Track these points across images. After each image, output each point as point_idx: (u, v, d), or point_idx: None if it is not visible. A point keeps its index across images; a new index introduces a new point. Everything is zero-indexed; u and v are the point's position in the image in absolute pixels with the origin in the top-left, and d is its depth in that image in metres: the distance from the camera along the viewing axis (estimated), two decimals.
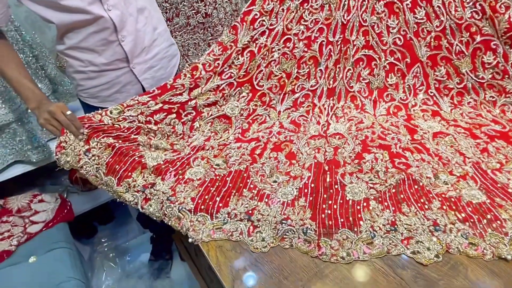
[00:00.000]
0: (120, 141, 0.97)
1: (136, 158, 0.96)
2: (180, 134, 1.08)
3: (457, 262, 0.73)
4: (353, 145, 1.06)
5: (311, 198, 0.88)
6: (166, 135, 1.06)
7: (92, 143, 0.94)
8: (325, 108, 1.21)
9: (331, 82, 1.22)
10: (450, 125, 1.12)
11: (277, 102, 1.20)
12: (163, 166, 0.97)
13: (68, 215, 1.41)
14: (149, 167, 0.96)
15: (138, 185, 0.92)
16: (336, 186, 0.91)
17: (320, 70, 1.20)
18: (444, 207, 0.82)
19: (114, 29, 1.02)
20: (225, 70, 1.10)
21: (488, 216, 0.79)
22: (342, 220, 0.81)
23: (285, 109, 1.20)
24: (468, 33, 1.15)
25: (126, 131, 0.98)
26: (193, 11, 1.48)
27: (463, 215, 0.80)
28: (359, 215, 0.82)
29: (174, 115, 1.07)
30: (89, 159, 0.92)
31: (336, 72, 1.21)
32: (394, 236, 0.77)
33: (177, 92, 1.05)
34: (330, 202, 0.86)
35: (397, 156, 1.00)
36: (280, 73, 1.17)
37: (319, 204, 0.86)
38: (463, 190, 0.87)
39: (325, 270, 0.74)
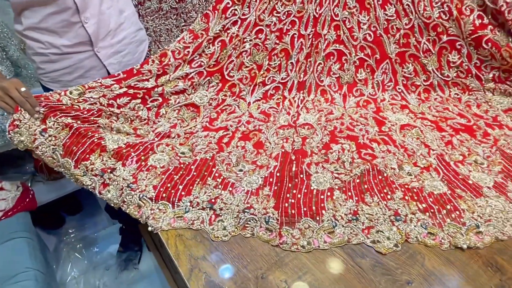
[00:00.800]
0: (79, 122, 0.92)
1: (95, 140, 0.91)
2: (145, 120, 1.04)
3: (416, 251, 0.73)
4: (321, 135, 1.05)
5: (275, 187, 0.86)
6: (129, 119, 1.02)
7: (49, 122, 0.88)
8: (295, 101, 1.19)
9: (301, 76, 1.21)
10: (418, 118, 1.12)
11: (247, 93, 1.17)
12: (124, 150, 0.93)
13: (30, 204, 1.35)
14: (108, 150, 0.91)
15: (96, 168, 0.88)
16: (301, 176, 0.90)
17: (291, 63, 1.18)
18: (406, 198, 0.82)
19: (76, 10, 0.97)
20: (195, 58, 1.06)
21: (448, 207, 0.80)
22: (305, 209, 0.80)
23: (255, 100, 1.18)
24: (435, 33, 1.17)
25: (86, 112, 0.93)
26: None
27: (424, 205, 0.80)
28: (322, 205, 0.81)
29: (139, 100, 1.02)
30: (45, 139, 0.87)
31: (307, 65, 1.20)
32: (355, 225, 0.77)
33: (144, 78, 1.01)
34: (294, 191, 0.85)
35: (364, 147, 1.00)
36: (251, 65, 1.15)
37: (283, 193, 0.84)
38: (425, 181, 0.87)
39: (285, 259, 0.73)
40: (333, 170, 0.91)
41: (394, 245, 0.73)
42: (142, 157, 0.94)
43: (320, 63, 1.21)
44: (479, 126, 1.07)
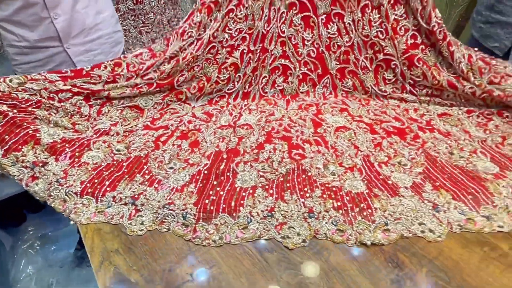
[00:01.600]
0: (15, 111, 0.91)
1: (30, 132, 0.90)
2: (86, 116, 1.04)
3: (323, 247, 0.74)
4: (257, 135, 1.06)
5: (201, 185, 0.87)
6: (69, 114, 1.02)
7: None
8: (239, 105, 1.22)
9: (246, 87, 1.24)
10: (354, 121, 1.15)
11: (193, 99, 1.20)
12: (59, 145, 0.93)
13: None
14: (43, 143, 0.91)
15: (28, 160, 0.88)
16: (228, 174, 0.91)
17: (239, 75, 1.21)
18: (324, 196, 0.84)
19: (44, 6, 1.00)
20: (148, 73, 1.08)
21: (362, 205, 0.81)
22: (224, 205, 0.81)
23: (200, 105, 1.20)
24: (372, 51, 1.22)
25: (24, 102, 0.92)
26: None
27: (339, 203, 0.82)
28: (242, 202, 0.82)
29: (81, 97, 1.03)
30: None
31: (253, 78, 1.24)
32: (269, 221, 0.78)
33: (91, 81, 1.02)
34: (218, 188, 0.86)
35: (296, 147, 1.01)
36: (201, 76, 1.17)
37: (207, 190, 0.85)
38: (347, 181, 0.89)
39: (196, 253, 0.73)
40: (260, 169, 0.93)
41: (302, 241, 0.74)
42: (77, 153, 0.95)
43: (265, 76, 1.25)
44: (411, 129, 1.10)
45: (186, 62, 1.10)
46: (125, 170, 0.92)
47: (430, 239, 0.76)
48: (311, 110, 1.21)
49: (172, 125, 1.10)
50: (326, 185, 0.88)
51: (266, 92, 1.26)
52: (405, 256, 0.73)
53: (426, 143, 1.03)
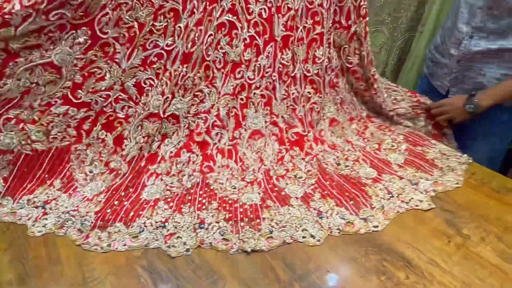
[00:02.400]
0: None
1: None
2: None
3: (220, 277, 0.74)
4: (180, 137, 1.05)
5: (110, 194, 0.91)
6: None
7: None
8: (175, 76, 1.01)
9: (189, 46, 1.00)
10: (270, 123, 1.15)
11: (123, 56, 0.94)
12: None
13: None
14: None
15: None
16: (137, 185, 0.95)
17: (180, 27, 0.98)
18: (220, 208, 0.89)
19: None
20: (53, 8, 0.80)
21: (251, 216, 0.86)
22: (122, 215, 0.85)
23: (132, 67, 0.96)
24: (312, 21, 1.11)
25: None
26: None
27: (230, 215, 0.87)
28: (140, 212, 0.86)
29: None
30: None
31: (196, 34, 1.00)
32: (160, 232, 0.82)
33: None
34: (124, 199, 0.90)
35: (208, 158, 1.04)
36: (132, 22, 0.92)
37: (113, 200, 0.89)
38: (245, 194, 0.94)
39: (90, 283, 0.72)
40: (169, 183, 0.97)
41: (186, 250, 0.79)
42: None
43: (211, 34, 1.02)
44: (308, 138, 1.16)
45: None
46: (48, 167, 0.92)
47: (310, 244, 0.81)
48: (240, 97, 1.12)
49: (96, 102, 0.95)
50: (225, 198, 0.93)
51: (209, 55, 1.05)
52: (295, 279, 0.74)
53: (318, 155, 1.11)
